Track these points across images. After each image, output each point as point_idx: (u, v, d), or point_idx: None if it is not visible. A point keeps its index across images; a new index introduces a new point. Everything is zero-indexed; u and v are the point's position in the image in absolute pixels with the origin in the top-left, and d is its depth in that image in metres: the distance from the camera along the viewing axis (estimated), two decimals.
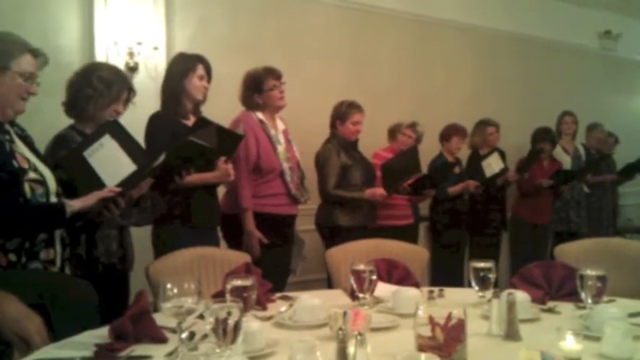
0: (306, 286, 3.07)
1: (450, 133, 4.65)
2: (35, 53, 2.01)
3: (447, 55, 5.45)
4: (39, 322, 1.46)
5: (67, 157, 2.20)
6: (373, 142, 4.27)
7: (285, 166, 3.23)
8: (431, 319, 1.33)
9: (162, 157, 2.31)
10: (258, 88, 3.23)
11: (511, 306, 1.55)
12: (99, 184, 2.14)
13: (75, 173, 2.15)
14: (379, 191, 3.74)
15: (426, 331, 1.34)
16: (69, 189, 2.11)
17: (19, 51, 1.95)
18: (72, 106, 2.46)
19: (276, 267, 3.02)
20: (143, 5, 3.86)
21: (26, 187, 1.90)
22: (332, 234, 3.62)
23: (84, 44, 3.72)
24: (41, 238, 1.92)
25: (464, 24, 5.52)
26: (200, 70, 2.87)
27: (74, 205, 2.00)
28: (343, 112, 3.77)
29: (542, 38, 6.06)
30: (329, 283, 3.25)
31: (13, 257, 1.85)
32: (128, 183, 2.17)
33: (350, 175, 3.70)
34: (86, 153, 2.17)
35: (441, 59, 5.42)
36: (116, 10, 3.76)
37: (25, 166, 1.93)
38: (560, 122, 5.31)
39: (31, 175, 1.93)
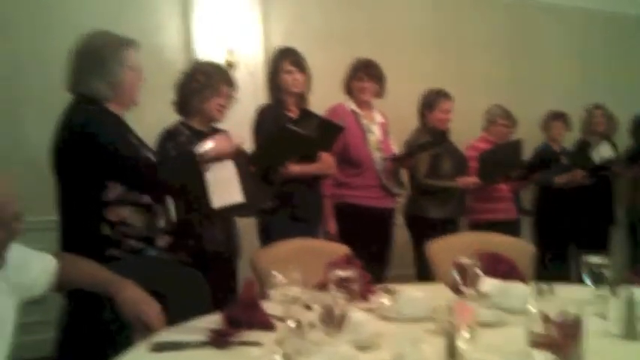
0: (395, 280, 3.05)
1: (548, 120, 4.46)
2: (136, 46, 2.10)
3: (547, 40, 5.18)
4: (156, 307, 1.54)
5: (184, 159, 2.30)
6: (466, 131, 4.13)
7: (377, 155, 3.24)
8: (544, 316, 1.28)
9: (269, 204, 2.38)
10: (354, 76, 3.33)
11: (630, 304, 1.45)
12: (203, 195, 2.22)
13: (186, 177, 2.25)
14: (471, 179, 3.65)
15: (539, 328, 1.29)
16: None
17: (125, 46, 2.05)
18: (180, 103, 2.60)
19: (372, 261, 3.03)
20: (240, 1, 3.96)
21: None
22: (420, 226, 3.56)
23: (184, 42, 3.87)
24: (159, 227, 2.04)
25: (565, 7, 5.22)
26: (286, 65, 2.96)
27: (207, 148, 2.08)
28: (431, 101, 3.71)
29: None
30: (419, 277, 3.21)
31: (134, 243, 1.97)
32: (230, 212, 2.25)
33: (440, 165, 3.64)
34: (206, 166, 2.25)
35: (539, 44, 5.16)
36: (214, 7, 3.89)
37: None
38: None
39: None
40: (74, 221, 1.96)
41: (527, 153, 4.23)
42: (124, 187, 1.95)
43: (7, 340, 1.41)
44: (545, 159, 4.24)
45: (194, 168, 2.06)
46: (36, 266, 1.51)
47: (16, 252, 1.41)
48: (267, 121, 2.87)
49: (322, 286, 1.72)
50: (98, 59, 1.99)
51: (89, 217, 1.93)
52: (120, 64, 2.01)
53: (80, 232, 1.95)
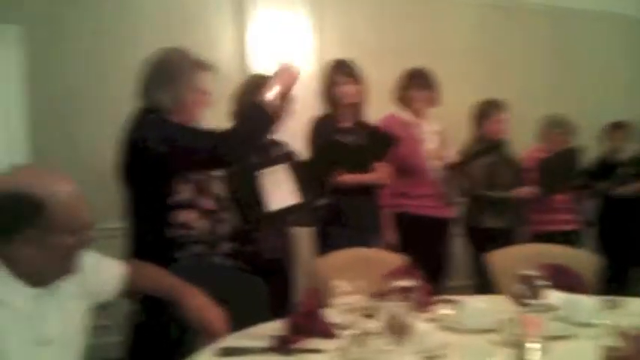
0: (453, 292, 2.99)
1: (609, 130, 4.35)
2: (208, 68, 2.14)
3: (598, 48, 5.05)
4: (219, 314, 1.57)
5: (243, 169, 2.32)
6: (519, 141, 4.02)
7: (433, 163, 3.22)
8: (617, 329, 1.24)
9: (323, 201, 2.40)
10: (406, 85, 3.32)
11: None
12: (257, 202, 2.25)
13: (243, 185, 2.29)
14: (526, 190, 3.60)
15: (611, 342, 1.25)
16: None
17: (195, 68, 2.08)
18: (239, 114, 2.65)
19: (430, 271, 3.00)
20: (293, 15, 4.01)
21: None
22: (478, 236, 3.52)
23: (238, 55, 3.92)
24: (222, 233, 2.07)
25: (612, 14, 5.08)
26: (340, 77, 2.97)
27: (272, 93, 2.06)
28: (486, 111, 3.67)
29: None
30: (479, 289, 3.15)
31: (197, 248, 2.00)
32: (285, 214, 2.28)
33: (496, 175, 3.59)
34: (260, 172, 2.29)
35: (590, 52, 5.03)
36: (268, 21, 3.94)
37: None
38: None
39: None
40: (142, 226, 2.01)
41: (587, 163, 4.12)
42: (192, 191, 2.00)
43: (80, 343, 1.46)
44: (606, 168, 4.11)
45: (265, 114, 2.02)
46: (107, 272, 1.57)
47: (89, 258, 1.47)
48: (321, 133, 2.90)
49: (380, 296, 1.71)
50: (166, 76, 2.03)
51: (157, 221, 1.97)
52: (187, 85, 2.04)
53: (148, 236, 1.99)
